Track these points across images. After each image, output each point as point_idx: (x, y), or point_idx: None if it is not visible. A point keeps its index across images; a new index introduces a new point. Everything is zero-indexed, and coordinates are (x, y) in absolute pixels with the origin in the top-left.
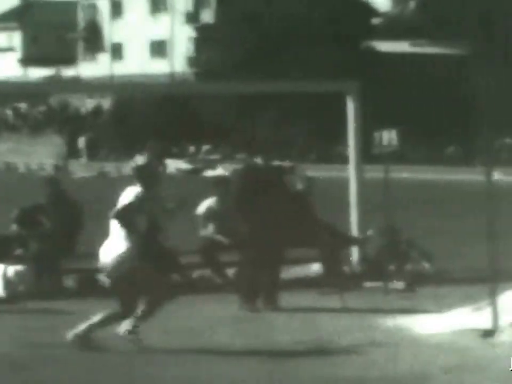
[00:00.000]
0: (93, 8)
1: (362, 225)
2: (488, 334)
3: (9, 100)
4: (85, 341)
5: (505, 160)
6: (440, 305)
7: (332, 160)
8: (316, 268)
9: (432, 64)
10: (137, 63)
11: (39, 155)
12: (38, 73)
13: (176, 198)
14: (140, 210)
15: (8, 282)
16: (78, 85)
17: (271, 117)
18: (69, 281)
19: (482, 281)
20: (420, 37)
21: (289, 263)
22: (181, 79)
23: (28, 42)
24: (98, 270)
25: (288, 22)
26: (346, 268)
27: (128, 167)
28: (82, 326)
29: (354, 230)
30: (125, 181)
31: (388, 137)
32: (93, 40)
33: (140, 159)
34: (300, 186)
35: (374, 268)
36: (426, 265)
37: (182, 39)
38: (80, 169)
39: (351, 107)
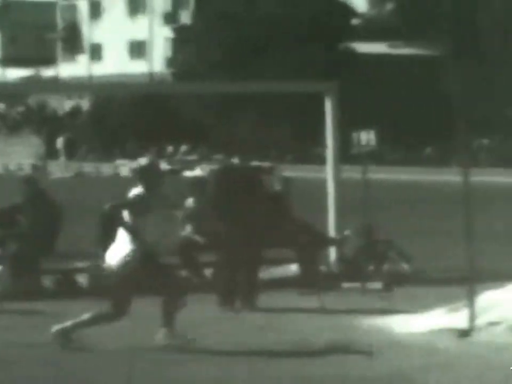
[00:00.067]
0: (72, 8)
1: (340, 226)
2: (465, 334)
3: None
4: (67, 337)
5: (482, 160)
6: (418, 306)
7: (310, 161)
8: (293, 268)
9: (410, 64)
10: (116, 64)
11: (17, 155)
12: (16, 73)
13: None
14: (142, 211)
15: None
16: (56, 85)
17: (250, 117)
18: (47, 282)
19: (459, 281)
20: (397, 37)
21: (267, 264)
22: (159, 79)
23: (6, 42)
24: (76, 270)
25: (267, 22)
26: (324, 268)
27: (107, 168)
28: (68, 322)
29: (332, 230)
30: (103, 181)
31: (366, 137)
32: (72, 40)
33: (142, 160)
34: (277, 186)
35: (352, 268)
36: (404, 266)
37: (161, 40)
38: (59, 169)
39: (329, 107)
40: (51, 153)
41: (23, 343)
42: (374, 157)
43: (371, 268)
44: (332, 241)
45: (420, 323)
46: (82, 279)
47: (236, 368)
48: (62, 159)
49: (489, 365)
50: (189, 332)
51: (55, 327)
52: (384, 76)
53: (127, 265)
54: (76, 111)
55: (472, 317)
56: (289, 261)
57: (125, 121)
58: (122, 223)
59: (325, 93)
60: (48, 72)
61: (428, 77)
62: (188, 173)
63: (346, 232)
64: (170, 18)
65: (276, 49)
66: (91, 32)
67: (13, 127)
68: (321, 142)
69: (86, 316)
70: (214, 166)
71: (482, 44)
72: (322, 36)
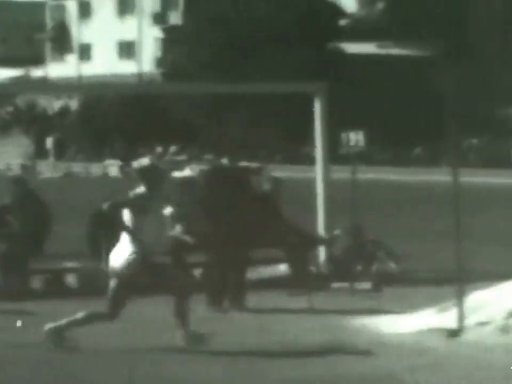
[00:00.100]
0: (61, 8)
1: (329, 226)
2: (453, 334)
3: None
4: (59, 336)
5: (472, 161)
6: (407, 306)
7: (299, 161)
8: (283, 268)
9: (399, 65)
10: (105, 64)
11: (6, 155)
12: (5, 73)
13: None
14: (142, 211)
15: None
16: (45, 85)
17: (239, 118)
18: (37, 282)
19: (448, 281)
20: (387, 38)
21: (256, 264)
22: (148, 79)
23: None
24: (66, 270)
25: (256, 23)
26: (313, 268)
27: (96, 168)
28: (62, 321)
29: (321, 230)
30: (92, 181)
31: (355, 138)
32: (61, 40)
33: (144, 160)
34: (266, 187)
35: (341, 268)
36: (392, 266)
37: (150, 40)
38: (48, 169)
39: (318, 108)
40: (40, 153)
41: (13, 343)
42: (363, 157)
43: (360, 268)
44: (321, 241)
45: (409, 323)
46: (71, 279)
47: (224, 368)
48: (51, 159)
49: (478, 365)
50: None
51: (48, 326)
52: (374, 76)
53: (130, 266)
54: (65, 111)
55: (461, 317)
56: (278, 261)
57: (114, 122)
58: (120, 222)
59: (314, 94)
60: (37, 72)
61: (417, 77)
62: (177, 174)
63: (336, 232)
64: (159, 18)
65: (265, 50)
66: (80, 32)
67: (2, 127)
68: (310, 143)
69: (79, 315)
70: (204, 167)
71: (472, 44)
72: (311, 36)
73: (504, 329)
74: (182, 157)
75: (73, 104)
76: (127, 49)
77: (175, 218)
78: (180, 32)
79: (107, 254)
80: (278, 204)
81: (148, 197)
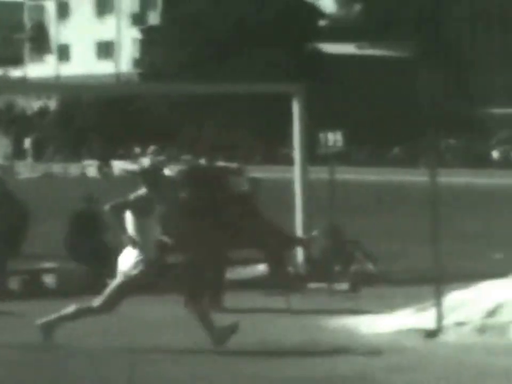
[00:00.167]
0: (40, 9)
1: (308, 226)
2: (431, 334)
3: None
4: (50, 329)
5: (449, 161)
6: (385, 306)
7: (278, 162)
8: (261, 268)
9: (377, 65)
10: (84, 64)
11: None
12: None
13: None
14: (144, 212)
15: None
16: (24, 85)
17: (217, 118)
18: (14, 283)
19: (426, 281)
20: (365, 38)
21: (234, 264)
22: (127, 80)
23: None
24: (43, 271)
25: (234, 24)
26: (291, 269)
27: (74, 168)
28: (54, 315)
29: (299, 231)
30: (71, 182)
31: (333, 138)
32: (40, 41)
33: (145, 162)
34: (245, 187)
35: (319, 269)
36: (371, 266)
37: (128, 41)
38: (26, 170)
39: (296, 108)
40: (19, 153)
41: None
42: (341, 158)
43: (338, 268)
44: (299, 242)
45: (387, 323)
46: (49, 280)
47: (201, 368)
48: (30, 159)
49: (456, 365)
50: (154, 333)
51: (40, 320)
52: (352, 77)
53: (138, 267)
54: (43, 112)
55: (439, 317)
56: (256, 261)
57: (92, 122)
58: (122, 224)
59: (293, 94)
60: (16, 73)
61: (395, 77)
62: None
63: (314, 233)
64: (138, 19)
65: (243, 50)
66: (59, 33)
67: None
68: (288, 143)
69: (70, 309)
70: (182, 167)
71: (450, 44)
72: (289, 37)
73: (482, 329)
74: (161, 157)
75: (52, 104)
76: (105, 49)
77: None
78: (158, 33)
79: (85, 254)
80: (256, 204)
81: (149, 199)
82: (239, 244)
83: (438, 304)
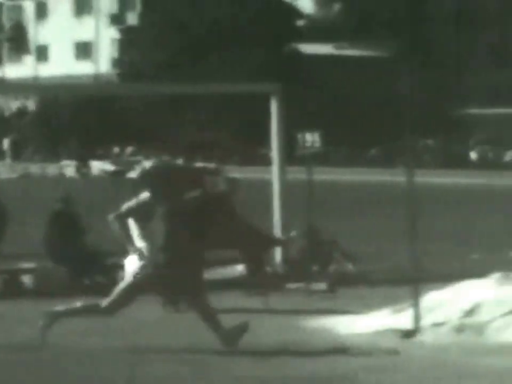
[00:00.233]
0: (18, 9)
1: (286, 226)
2: (409, 334)
3: None
4: (54, 319)
5: (427, 161)
6: (363, 306)
7: (256, 162)
8: (239, 269)
9: (356, 66)
10: (62, 65)
11: None
12: None
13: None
14: (148, 216)
15: None
16: (2, 85)
17: (195, 119)
18: None
19: (404, 282)
20: (344, 39)
21: (213, 264)
22: (105, 80)
23: None
24: (22, 271)
25: (213, 24)
26: (269, 269)
27: (52, 168)
28: (61, 307)
29: (277, 231)
30: (49, 182)
31: (311, 138)
32: (18, 41)
33: (147, 164)
34: (223, 187)
35: (297, 269)
36: (349, 266)
37: (107, 41)
38: (4, 170)
39: (274, 109)
40: None
41: None
42: (319, 158)
43: (316, 268)
44: (277, 242)
45: (365, 324)
46: (28, 280)
47: (180, 368)
48: (8, 160)
49: (434, 365)
50: (133, 333)
51: (46, 310)
52: (330, 77)
53: (144, 270)
54: (22, 112)
55: (417, 318)
56: (234, 261)
57: (71, 122)
58: (123, 234)
59: (271, 94)
60: None
61: (374, 78)
62: (133, 174)
63: (292, 233)
64: (116, 19)
65: (222, 50)
66: (37, 33)
67: None
68: (267, 144)
69: (79, 304)
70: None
71: (429, 45)
72: (268, 37)
73: (459, 329)
74: (139, 158)
75: (30, 104)
76: (84, 49)
77: None
78: (136, 33)
79: (63, 255)
80: (234, 204)
81: (152, 203)
82: (217, 244)
83: (416, 304)
